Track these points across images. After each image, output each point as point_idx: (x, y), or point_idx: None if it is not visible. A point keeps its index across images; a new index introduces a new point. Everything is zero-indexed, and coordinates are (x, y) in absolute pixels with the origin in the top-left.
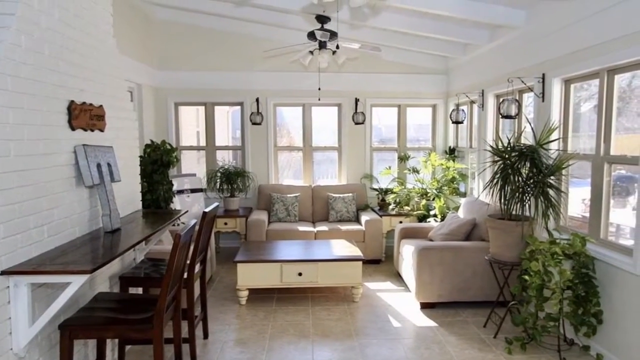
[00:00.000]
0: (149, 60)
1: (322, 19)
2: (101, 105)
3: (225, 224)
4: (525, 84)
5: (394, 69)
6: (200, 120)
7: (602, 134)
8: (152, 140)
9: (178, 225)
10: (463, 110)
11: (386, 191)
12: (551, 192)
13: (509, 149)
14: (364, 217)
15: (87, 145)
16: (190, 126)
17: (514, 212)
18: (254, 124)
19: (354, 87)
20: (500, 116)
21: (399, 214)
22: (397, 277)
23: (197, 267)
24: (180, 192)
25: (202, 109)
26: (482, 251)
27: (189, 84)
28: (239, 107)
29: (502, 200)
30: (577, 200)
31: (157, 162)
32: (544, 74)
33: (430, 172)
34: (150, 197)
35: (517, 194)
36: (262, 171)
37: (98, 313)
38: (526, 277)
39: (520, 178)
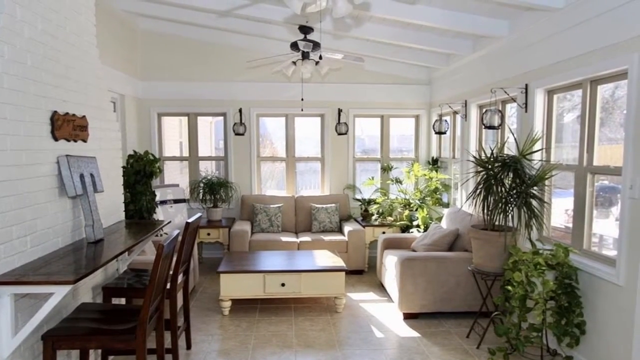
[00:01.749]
0: (132, 71)
1: (305, 30)
2: (84, 116)
3: (208, 234)
4: (508, 94)
5: (377, 80)
6: (183, 131)
7: (585, 144)
8: (135, 151)
9: (161, 235)
10: (446, 120)
11: (369, 202)
12: (534, 202)
13: (492, 159)
14: (347, 228)
15: (70, 156)
16: (173, 137)
17: (497, 223)
18: (236, 134)
19: (337, 98)
20: (483, 127)
21: (382, 225)
22: (380, 288)
23: (180, 278)
24: (163, 202)
25: (185, 119)
26: (465, 262)
27: (172, 94)
28: (221, 118)
29: (485, 211)
30: (560, 210)
31: (140, 172)
32: (526, 85)
33: (413, 183)
34: (133, 207)
35: (500, 205)
36: (245, 182)
37: (81, 323)
38: (509, 287)
39: (503, 188)
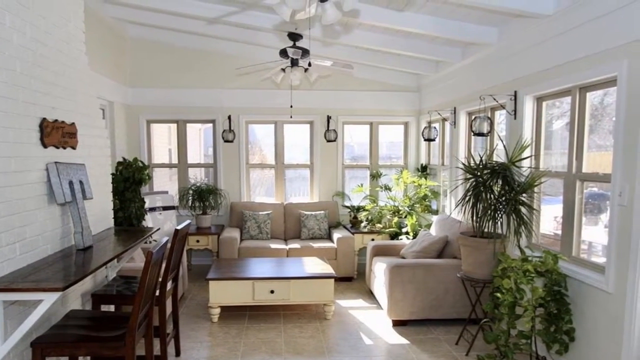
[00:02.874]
0: (121, 78)
1: (294, 37)
2: (73, 123)
3: (198, 241)
4: (497, 101)
5: (366, 87)
6: (172, 138)
7: (574, 151)
8: (124, 158)
9: (150, 242)
10: (435, 127)
11: (358, 209)
12: (523, 209)
13: (481, 166)
14: (336, 235)
15: (59, 163)
16: (162, 144)
17: (486, 230)
18: (226, 141)
19: (326, 105)
20: (473, 134)
21: (371, 232)
22: (369, 295)
23: (169, 285)
24: (153, 209)
25: (174, 126)
26: (454, 269)
27: (161, 101)
28: (211, 125)
29: (474, 218)
30: (549, 217)
31: (129, 179)
32: (515, 92)
33: (403, 190)
34: (122, 214)
35: (489, 212)
36: (234, 189)
37: (70, 330)
38: (498, 294)
39: (492, 195)
